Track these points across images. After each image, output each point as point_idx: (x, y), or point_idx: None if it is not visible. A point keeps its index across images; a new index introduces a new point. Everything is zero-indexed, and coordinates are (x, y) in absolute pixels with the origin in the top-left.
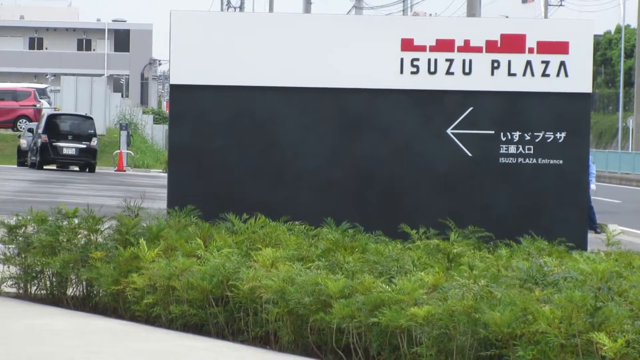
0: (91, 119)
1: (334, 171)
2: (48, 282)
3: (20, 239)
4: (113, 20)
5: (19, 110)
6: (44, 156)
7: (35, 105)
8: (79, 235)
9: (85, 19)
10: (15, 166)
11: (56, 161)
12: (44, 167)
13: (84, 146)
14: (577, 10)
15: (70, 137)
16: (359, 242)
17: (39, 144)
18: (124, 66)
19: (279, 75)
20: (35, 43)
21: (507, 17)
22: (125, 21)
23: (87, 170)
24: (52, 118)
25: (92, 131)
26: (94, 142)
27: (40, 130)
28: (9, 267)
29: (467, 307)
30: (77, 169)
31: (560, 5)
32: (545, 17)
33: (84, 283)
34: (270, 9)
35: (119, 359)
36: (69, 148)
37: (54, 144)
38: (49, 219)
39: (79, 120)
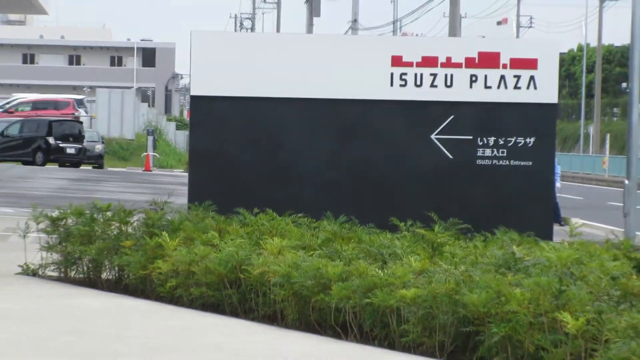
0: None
1: (332, 171)
2: (85, 267)
3: (61, 229)
4: (141, 40)
5: (57, 117)
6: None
7: (73, 114)
8: (112, 227)
9: (117, 38)
10: (57, 166)
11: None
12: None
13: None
14: (545, 31)
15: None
16: (354, 233)
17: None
18: (151, 80)
19: (285, 87)
20: (74, 60)
21: (483, 36)
22: (151, 40)
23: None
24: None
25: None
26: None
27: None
28: (51, 254)
29: (449, 289)
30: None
31: (530, 26)
32: (517, 37)
33: (116, 268)
34: (278, 30)
35: (148, 334)
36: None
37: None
38: (85, 213)
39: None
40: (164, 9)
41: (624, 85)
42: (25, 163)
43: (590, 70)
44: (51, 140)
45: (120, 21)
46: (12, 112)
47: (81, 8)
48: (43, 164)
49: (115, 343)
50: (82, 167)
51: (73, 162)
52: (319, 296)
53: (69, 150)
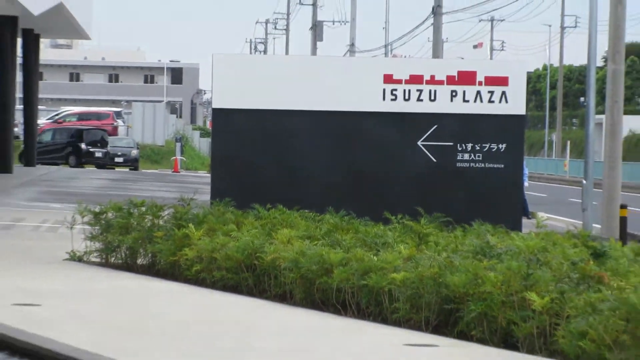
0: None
1: (333, 173)
2: (123, 254)
3: (102, 222)
4: (170, 61)
5: (101, 127)
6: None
7: (112, 124)
8: (146, 220)
9: (150, 59)
10: (96, 168)
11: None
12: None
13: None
14: (515, 53)
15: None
16: (352, 225)
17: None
18: (178, 95)
19: (292, 101)
20: (113, 78)
21: (462, 58)
22: (179, 61)
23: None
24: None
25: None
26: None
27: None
28: (94, 243)
29: (433, 273)
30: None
31: (502, 49)
32: (491, 58)
33: (150, 255)
34: (286, 52)
35: (177, 311)
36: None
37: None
38: (123, 208)
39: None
40: (189, 33)
41: (582, 99)
42: (58, 164)
43: (553, 86)
44: (83, 145)
45: (152, 43)
46: (60, 123)
47: (119, 33)
48: (75, 166)
49: (149, 319)
50: (119, 169)
51: (100, 164)
52: (323, 279)
53: (97, 154)
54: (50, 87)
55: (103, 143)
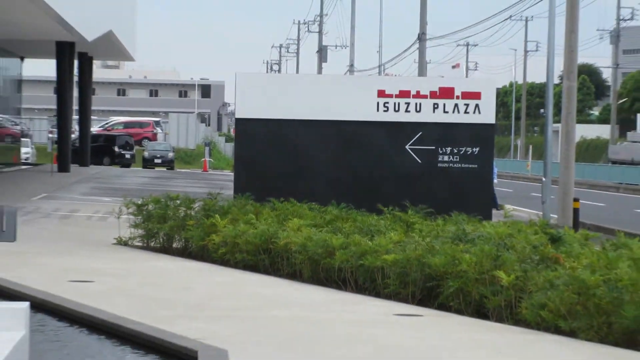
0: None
1: (335, 171)
2: (161, 239)
3: (144, 212)
4: (200, 79)
5: (143, 134)
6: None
7: (152, 131)
8: (180, 210)
9: (183, 77)
10: (141, 168)
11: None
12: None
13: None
14: (486, 72)
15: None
16: (351, 215)
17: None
18: (207, 107)
19: (301, 111)
20: (153, 93)
21: (442, 76)
22: (208, 79)
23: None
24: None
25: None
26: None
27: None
28: (137, 230)
29: (418, 255)
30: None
31: (476, 69)
32: (466, 76)
33: (183, 240)
34: (297, 71)
35: (205, 286)
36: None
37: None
38: (161, 201)
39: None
40: (216, 54)
41: (541, 110)
42: (94, 164)
43: (518, 100)
44: (116, 148)
45: (184, 62)
46: (109, 130)
47: (158, 55)
48: (109, 165)
49: (181, 293)
50: (158, 169)
51: (127, 164)
52: (326, 260)
53: (126, 156)
54: (100, 101)
55: (130, 147)
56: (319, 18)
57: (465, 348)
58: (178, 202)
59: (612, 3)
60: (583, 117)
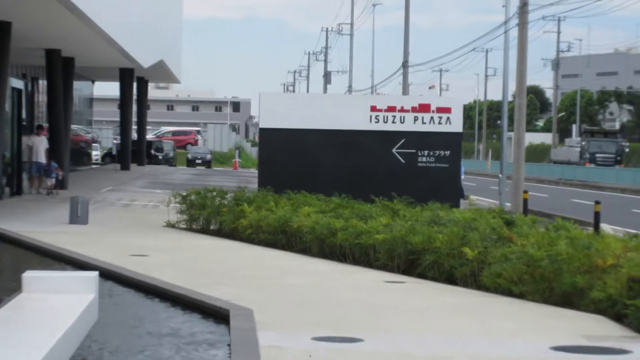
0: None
1: (337, 170)
2: (201, 223)
3: (187, 201)
4: (232, 97)
5: (187, 140)
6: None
7: (194, 138)
8: (215, 200)
9: (218, 96)
10: (185, 167)
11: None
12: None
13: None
14: (456, 92)
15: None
16: (350, 204)
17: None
18: (237, 119)
19: (310, 122)
20: (195, 108)
21: (421, 95)
22: (237, 97)
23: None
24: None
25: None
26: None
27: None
28: (182, 215)
29: (402, 235)
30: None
31: (447, 90)
32: (440, 95)
33: (218, 223)
34: (307, 91)
35: (236, 258)
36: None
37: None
38: (201, 192)
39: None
40: (244, 77)
41: (499, 122)
42: (134, 163)
43: (480, 113)
44: (152, 151)
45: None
46: (160, 137)
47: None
48: (147, 164)
49: (216, 264)
50: (198, 168)
51: (159, 163)
52: (330, 239)
53: (159, 157)
54: (154, 115)
55: (160, 150)
56: (324, 50)
57: (439, 307)
58: (214, 193)
59: (553, 38)
60: (530, 127)
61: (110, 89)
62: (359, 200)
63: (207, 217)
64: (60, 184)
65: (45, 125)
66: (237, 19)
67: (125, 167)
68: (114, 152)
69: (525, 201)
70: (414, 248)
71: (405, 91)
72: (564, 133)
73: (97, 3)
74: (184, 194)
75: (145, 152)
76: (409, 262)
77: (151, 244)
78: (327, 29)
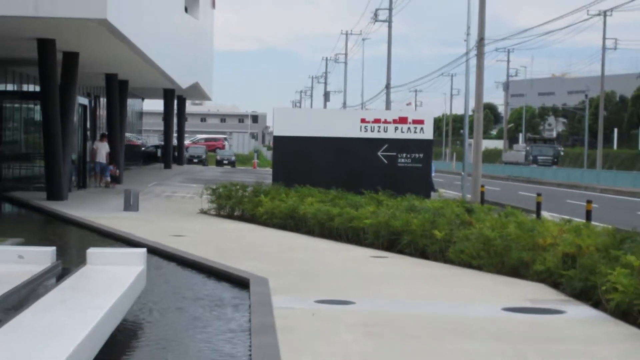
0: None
1: (335, 169)
2: (227, 210)
3: (216, 193)
4: (252, 111)
5: (216, 145)
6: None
7: (222, 144)
8: (239, 192)
9: (241, 110)
10: (215, 166)
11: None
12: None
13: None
14: (428, 107)
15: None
16: (344, 196)
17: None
18: (256, 128)
19: (313, 131)
20: (223, 120)
21: (400, 110)
22: (256, 111)
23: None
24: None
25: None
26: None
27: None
28: (212, 204)
29: (386, 220)
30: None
31: (421, 106)
32: (415, 110)
33: (241, 210)
34: (311, 106)
35: (254, 237)
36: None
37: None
38: (227, 186)
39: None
40: (260, 93)
41: (462, 131)
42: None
43: (447, 125)
44: (175, 154)
45: (242, 98)
46: (196, 143)
47: (226, 95)
48: (184, 164)
49: (239, 242)
50: (225, 167)
51: (179, 162)
52: (329, 223)
53: (194, 159)
54: (190, 125)
55: (182, 152)
56: (324, 75)
57: (414, 276)
58: (237, 187)
59: (504, 65)
60: (486, 136)
61: (156, 105)
62: (351, 193)
63: (232, 205)
64: (116, 180)
65: (106, 134)
66: (256, 49)
67: (167, 167)
68: (159, 154)
69: (482, 193)
70: (394, 230)
71: (388, 107)
72: (512, 140)
73: (147, 37)
74: (214, 187)
75: (183, 155)
76: (391, 241)
77: (187, 226)
78: (326, 58)
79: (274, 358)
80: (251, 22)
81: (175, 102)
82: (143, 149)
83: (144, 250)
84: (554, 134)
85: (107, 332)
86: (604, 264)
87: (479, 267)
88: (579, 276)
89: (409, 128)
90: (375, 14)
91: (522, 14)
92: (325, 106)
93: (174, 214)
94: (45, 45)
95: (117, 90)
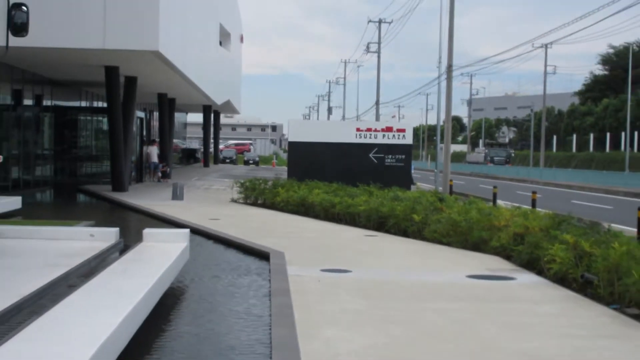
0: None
1: (336, 167)
2: (252, 199)
3: (243, 186)
4: (272, 122)
5: (244, 149)
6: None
7: (249, 148)
8: (261, 185)
9: (263, 121)
10: (243, 165)
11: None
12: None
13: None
14: (409, 119)
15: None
16: (344, 188)
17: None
18: (274, 136)
19: (319, 138)
20: (249, 129)
21: (387, 121)
22: (275, 122)
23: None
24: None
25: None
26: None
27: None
28: (240, 195)
29: (376, 206)
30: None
31: (403, 118)
32: (399, 121)
33: (263, 199)
34: (317, 118)
35: (274, 221)
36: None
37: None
38: (252, 180)
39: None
40: (276, 107)
41: (434, 138)
42: (186, 164)
43: (423, 133)
44: (197, 155)
45: (264, 112)
46: (228, 147)
47: (251, 109)
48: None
49: (261, 224)
50: (250, 166)
51: (198, 163)
52: (331, 209)
53: (197, 156)
54: (223, 133)
55: (217, 154)
56: (328, 94)
57: (397, 251)
58: (260, 181)
59: (467, 86)
60: (454, 141)
61: (197, 117)
62: (349, 186)
63: (255, 195)
64: (166, 175)
65: (157, 140)
66: (274, 74)
67: (206, 165)
68: (198, 156)
69: (450, 186)
70: (382, 215)
71: (377, 119)
72: (474, 145)
73: (190, 65)
74: (242, 181)
75: (218, 156)
76: (380, 223)
77: (221, 212)
78: (329, 80)
79: (288, 313)
80: (271, 53)
81: (212, 115)
82: (184, 146)
83: (188, 230)
84: (507, 140)
85: (159, 294)
86: (545, 241)
87: (448, 244)
88: (526, 250)
89: (393, 135)
90: (368, 47)
91: (482, 46)
92: (328, 118)
93: (210, 202)
94: (111, 71)
95: (166, 106)
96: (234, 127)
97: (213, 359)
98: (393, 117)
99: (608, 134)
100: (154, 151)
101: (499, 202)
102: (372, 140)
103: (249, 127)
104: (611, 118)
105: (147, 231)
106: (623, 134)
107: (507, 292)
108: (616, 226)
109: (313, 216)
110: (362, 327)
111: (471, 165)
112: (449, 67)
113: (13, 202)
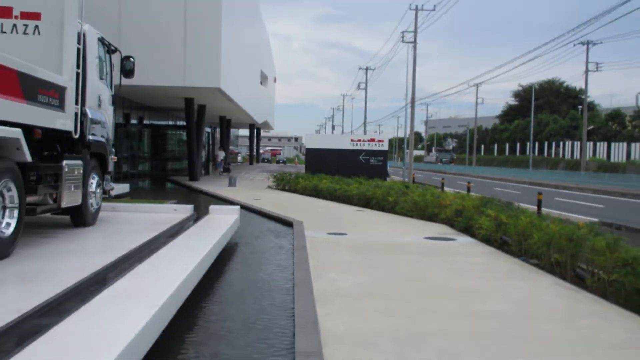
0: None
1: (337, 165)
2: (281, 186)
3: (276, 177)
4: (295, 135)
5: (277, 152)
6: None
7: (280, 152)
8: (288, 177)
9: (289, 134)
10: (275, 164)
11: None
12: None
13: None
14: (387, 132)
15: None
16: (343, 180)
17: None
18: (296, 144)
19: (327, 145)
20: (279, 140)
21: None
22: (297, 135)
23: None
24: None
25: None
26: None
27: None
28: (274, 183)
29: (364, 191)
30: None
31: (382, 132)
32: (379, 133)
33: (289, 186)
34: (325, 132)
35: (296, 201)
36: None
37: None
38: (281, 173)
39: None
40: (299, 125)
41: (403, 146)
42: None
43: (396, 142)
44: (262, 157)
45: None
46: (266, 151)
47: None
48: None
49: (287, 202)
50: (279, 164)
51: (264, 162)
52: (335, 193)
53: (265, 160)
54: (262, 142)
55: (258, 156)
56: (332, 117)
57: (378, 221)
58: (287, 174)
59: (424, 111)
60: (415, 148)
61: (245, 132)
62: (345, 178)
63: (284, 184)
64: (227, 170)
65: (222, 147)
66: (295, 103)
67: (251, 164)
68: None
69: (413, 178)
70: (368, 196)
71: (365, 132)
72: (429, 150)
73: (241, 97)
74: (275, 174)
75: (259, 158)
76: (366, 202)
77: (261, 195)
78: (333, 108)
79: (305, 261)
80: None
81: (255, 130)
82: (237, 151)
83: (239, 206)
84: (451, 147)
85: (219, 248)
86: (476, 215)
87: (411, 216)
88: (463, 221)
89: (375, 144)
90: (359, 85)
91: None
92: (332, 132)
93: (254, 188)
94: (189, 101)
95: (225, 124)
96: (269, 138)
97: (255, 288)
98: (375, 132)
99: (518, 144)
100: (220, 154)
101: (446, 188)
102: (361, 147)
103: (280, 138)
104: (520, 133)
105: (212, 207)
106: (528, 144)
107: (451, 248)
108: (523, 205)
109: (322, 198)
110: (354, 271)
111: (427, 164)
112: (412, 99)
113: (123, 188)
